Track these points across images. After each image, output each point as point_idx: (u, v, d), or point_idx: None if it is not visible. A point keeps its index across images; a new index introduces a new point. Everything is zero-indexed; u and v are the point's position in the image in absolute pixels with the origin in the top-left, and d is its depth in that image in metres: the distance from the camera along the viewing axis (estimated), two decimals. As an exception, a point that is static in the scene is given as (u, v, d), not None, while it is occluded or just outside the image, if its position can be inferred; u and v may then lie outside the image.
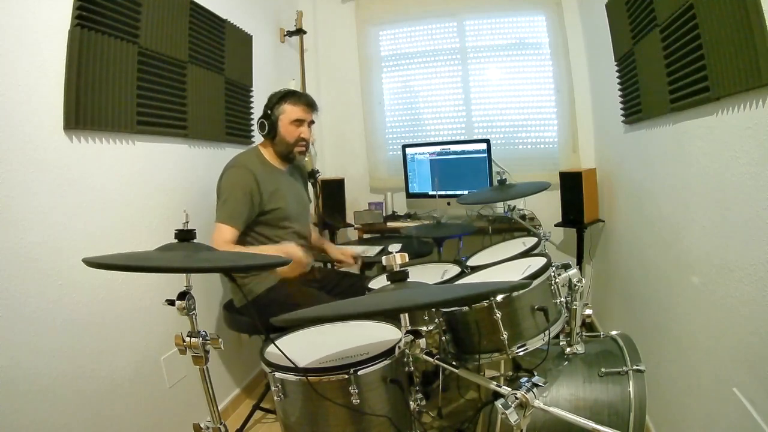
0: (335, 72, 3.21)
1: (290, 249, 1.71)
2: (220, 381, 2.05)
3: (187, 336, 0.98)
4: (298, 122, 1.86)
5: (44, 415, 1.20)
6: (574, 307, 1.27)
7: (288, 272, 1.71)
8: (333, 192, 2.90)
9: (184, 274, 0.98)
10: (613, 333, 1.37)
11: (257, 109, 2.32)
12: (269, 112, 1.85)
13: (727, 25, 1.08)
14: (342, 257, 2.10)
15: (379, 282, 1.71)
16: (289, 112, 1.84)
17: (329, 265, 2.31)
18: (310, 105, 1.89)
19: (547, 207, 2.63)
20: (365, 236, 2.79)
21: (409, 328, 1.09)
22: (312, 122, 1.92)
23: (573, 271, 1.27)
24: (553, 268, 1.27)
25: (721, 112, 1.18)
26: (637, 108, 1.80)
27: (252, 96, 2.34)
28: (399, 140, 3.09)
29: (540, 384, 0.84)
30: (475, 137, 2.94)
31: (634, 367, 1.18)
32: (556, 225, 2.56)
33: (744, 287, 1.09)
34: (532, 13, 2.86)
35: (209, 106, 1.97)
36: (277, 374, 1.08)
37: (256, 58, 2.38)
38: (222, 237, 1.65)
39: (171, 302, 0.97)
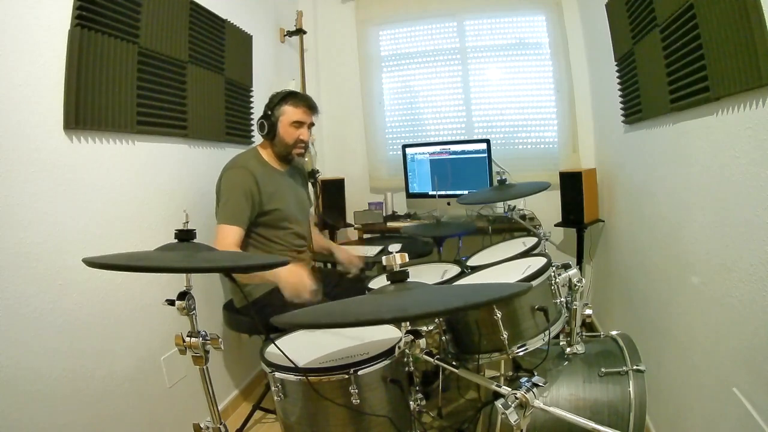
0: (335, 72, 3.21)
1: (298, 275, 1.55)
2: (220, 381, 2.05)
3: (187, 336, 0.97)
4: (298, 124, 1.85)
5: (44, 415, 1.20)
6: (574, 307, 1.27)
7: (290, 294, 1.53)
8: (333, 192, 2.90)
9: (184, 274, 0.98)
10: (613, 333, 1.37)
11: (257, 109, 2.32)
12: (269, 112, 1.85)
13: (727, 25, 1.08)
14: (348, 261, 2.06)
15: (379, 282, 1.71)
16: (289, 113, 1.84)
17: (329, 265, 2.31)
18: (311, 107, 1.89)
19: (547, 207, 2.63)
20: (365, 236, 2.79)
21: (409, 328, 1.09)
22: (312, 124, 1.92)
23: (573, 271, 1.27)
24: (553, 268, 1.27)
25: (721, 112, 1.17)
26: (637, 108, 1.80)
27: (252, 96, 2.34)
28: (399, 140, 3.09)
29: (540, 384, 0.84)
30: (475, 137, 2.94)
31: (634, 367, 1.18)
32: (556, 225, 2.56)
33: (744, 287, 1.09)
34: (532, 13, 2.86)
35: (209, 106, 1.97)
36: (277, 374, 1.08)
37: (256, 58, 2.38)
38: (226, 239, 1.62)
39: (171, 302, 0.97)
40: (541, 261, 1.33)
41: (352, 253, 2.11)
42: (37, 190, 1.22)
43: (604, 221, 2.49)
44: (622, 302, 2.23)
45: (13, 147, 1.15)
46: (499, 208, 2.73)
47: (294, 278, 1.53)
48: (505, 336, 1.14)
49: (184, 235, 0.99)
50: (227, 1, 2.12)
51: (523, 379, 0.84)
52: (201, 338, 0.97)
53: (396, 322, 1.15)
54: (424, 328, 1.38)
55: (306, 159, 2.12)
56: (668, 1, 1.38)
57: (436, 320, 1.30)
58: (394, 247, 2.19)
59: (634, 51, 1.75)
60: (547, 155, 2.88)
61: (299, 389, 1.07)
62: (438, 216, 2.12)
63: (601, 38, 2.16)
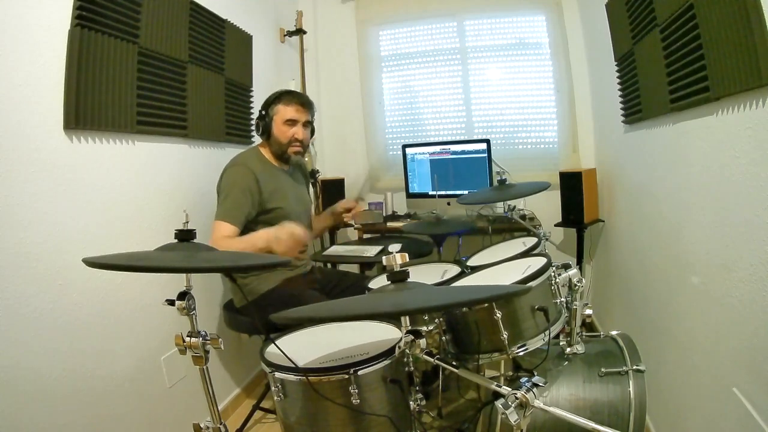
0: (335, 72, 3.20)
1: (289, 228, 1.64)
2: (220, 381, 2.05)
3: (187, 336, 0.98)
4: (291, 122, 1.85)
5: (44, 415, 1.20)
6: (574, 307, 1.27)
7: (287, 251, 1.61)
8: (333, 192, 2.90)
9: (184, 274, 0.98)
10: (613, 333, 1.37)
11: (257, 110, 2.31)
12: (264, 112, 1.85)
13: (727, 25, 1.08)
14: (345, 205, 2.15)
15: (379, 282, 1.71)
16: (282, 112, 1.84)
17: (329, 265, 2.31)
18: (304, 105, 1.88)
19: (547, 207, 2.63)
20: (365, 236, 2.79)
21: (409, 328, 1.09)
22: (308, 122, 1.90)
23: (573, 271, 1.27)
24: (553, 268, 1.27)
25: (721, 112, 1.17)
26: (637, 108, 1.79)
27: (252, 96, 2.34)
28: (399, 140, 3.09)
29: (540, 384, 0.83)
30: (475, 137, 2.94)
31: (634, 367, 1.18)
32: (556, 225, 2.56)
33: (744, 287, 1.09)
34: (532, 13, 2.85)
35: (209, 106, 1.97)
36: (277, 374, 1.08)
37: (256, 58, 2.38)
38: (220, 233, 1.64)
39: (171, 302, 0.97)
40: (541, 261, 1.33)
41: (349, 200, 2.19)
42: (37, 190, 1.22)
43: (604, 221, 2.49)
44: (622, 302, 2.23)
45: (13, 147, 1.15)
46: (499, 208, 2.72)
47: (286, 233, 1.61)
48: (505, 336, 1.14)
49: (184, 235, 0.99)
50: (227, 1, 2.12)
51: (523, 379, 0.84)
52: (201, 338, 0.97)
53: (394, 316, 1.14)
54: (424, 328, 1.38)
55: (306, 159, 2.12)
56: (668, 1, 1.38)
57: (436, 320, 1.30)
58: (394, 247, 2.19)
59: (634, 51, 1.75)
60: (547, 155, 2.88)
61: (299, 389, 1.07)
62: (438, 213, 2.11)
63: (601, 38, 2.16)
